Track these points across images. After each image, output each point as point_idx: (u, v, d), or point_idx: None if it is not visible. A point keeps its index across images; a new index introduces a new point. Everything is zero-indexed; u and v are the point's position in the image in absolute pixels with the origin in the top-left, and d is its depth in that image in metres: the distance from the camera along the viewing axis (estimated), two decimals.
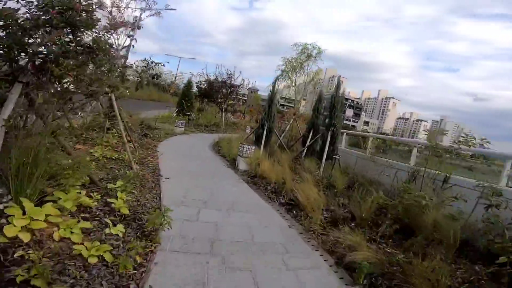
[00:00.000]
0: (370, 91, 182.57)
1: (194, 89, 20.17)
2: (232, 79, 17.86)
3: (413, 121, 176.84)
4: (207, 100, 19.52)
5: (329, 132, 6.99)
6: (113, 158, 5.05)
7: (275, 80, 11.16)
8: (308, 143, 8.56)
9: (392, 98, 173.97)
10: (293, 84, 28.52)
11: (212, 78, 17.76)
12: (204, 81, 17.89)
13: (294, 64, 25.74)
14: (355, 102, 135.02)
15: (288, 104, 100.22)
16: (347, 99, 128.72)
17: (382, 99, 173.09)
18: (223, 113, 18.33)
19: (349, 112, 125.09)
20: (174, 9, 25.62)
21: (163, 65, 5.86)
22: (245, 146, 6.67)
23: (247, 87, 25.32)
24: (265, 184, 5.77)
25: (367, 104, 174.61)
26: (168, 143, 8.99)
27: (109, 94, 5.16)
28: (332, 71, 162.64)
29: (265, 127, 8.03)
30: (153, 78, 5.52)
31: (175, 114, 16.20)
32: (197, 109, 19.90)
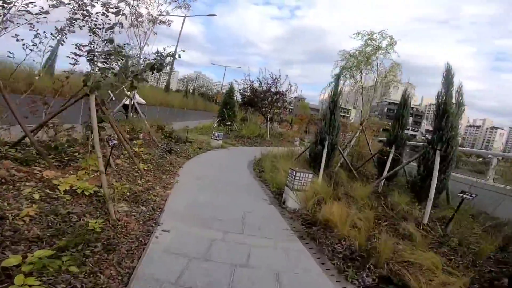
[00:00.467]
0: (431, 98, 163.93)
1: (238, 97, 18.63)
2: (278, 85, 15.76)
3: (487, 128, 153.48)
4: (251, 109, 17.71)
5: (438, 152, 4.21)
6: (87, 193, 3.16)
7: (338, 76, 8.54)
8: (388, 165, 5.84)
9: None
10: (357, 84, 21.65)
11: (256, 84, 15.94)
12: (248, 88, 16.13)
13: (359, 58, 20.11)
14: (414, 109, 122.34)
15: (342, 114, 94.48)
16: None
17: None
18: (269, 123, 16.24)
19: (408, 120, 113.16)
20: (214, 15, 25.16)
21: (178, 57, 4.10)
22: (297, 173, 4.31)
23: (294, 94, 22.82)
24: (332, 242, 3.34)
25: (429, 111, 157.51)
26: (196, 162, 7.09)
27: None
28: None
29: (326, 143, 5.55)
30: (152, 69, 3.58)
31: (215, 124, 14.66)
32: (240, 119, 18.20)
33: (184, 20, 24.03)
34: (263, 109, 16.96)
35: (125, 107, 11.50)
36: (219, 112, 15.09)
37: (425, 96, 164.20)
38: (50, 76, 10.53)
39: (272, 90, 15.84)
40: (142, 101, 13.19)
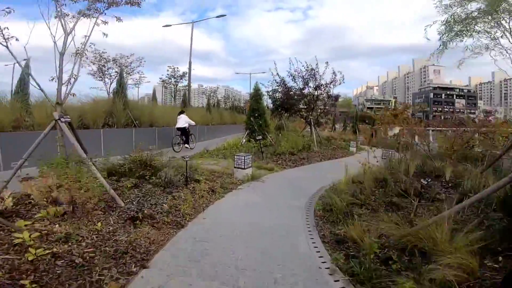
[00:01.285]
0: (480, 77, 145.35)
1: (267, 101, 14.90)
2: (317, 76, 11.71)
3: None
4: (286, 114, 13.82)
5: None
6: None
7: None
8: None
9: None
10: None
11: (288, 81, 12.09)
12: (278, 87, 12.32)
13: None
14: (466, 91, 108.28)
15: (377, 106, 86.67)
16: (452, 88, 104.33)
17: (501, 81, 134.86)
18: (313, 129, 12.17)
19: (460, 103, 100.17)
20: (224, 15, 21.98)
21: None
22: None
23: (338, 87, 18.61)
24: None
25: (480, 90, 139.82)
26: (190, 241, 3.08)
27: None
28: (421, 61, 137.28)
29: None
30: None
31: (243, 141, 10.98)
32: (275, 128, 14.33)
33: (192, 27, 21.20)
34: (302, 112, 12.96)
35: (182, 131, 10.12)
36: (246, 123, 11.40)
37: (472, 76, 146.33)
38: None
39: (311, 85, 11.86)
40: (192, 122, 10.58)
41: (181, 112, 10.55)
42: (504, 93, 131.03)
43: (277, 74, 11.95)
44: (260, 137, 9.30)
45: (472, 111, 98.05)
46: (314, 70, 11.55)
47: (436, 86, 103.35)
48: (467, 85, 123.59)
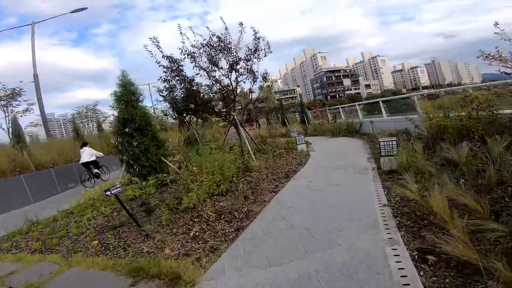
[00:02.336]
0: (354, 58, 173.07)
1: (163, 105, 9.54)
2: (232, 48, 7.09)
3: (408, 70, 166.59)
4: (197, 120, 8.84)
5: None
6: None
7: None
8: None
9: (378, 56, 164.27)
10: None
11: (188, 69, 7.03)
12: (168, 76, 7.14)
13: None
14: (348, 71, 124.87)
15: (285, 97, 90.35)
16: (338, 70, 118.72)
17: (369, 59, 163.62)
18: (242, 132, 7.55)
19: (347, 82, 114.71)
20: (85, 8, 15.22)
21: None
22: None
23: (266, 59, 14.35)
24: None
25: (357, 69, 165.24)
26: None
27: None
28: (310, 50, 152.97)
29: None
30: None
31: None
32: (185, 142, 9.14)
33: (33, 27, 13.67)
34: (222, 111, 8.17)
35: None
36: (117, 150, 5.74)
37: (348, 57, 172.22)
38: None
39: (224, 62, 7.18)
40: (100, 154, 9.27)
41: (84, 144, 9.15)
42: (374, 69, 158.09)
43: (161, 51, 6.69)
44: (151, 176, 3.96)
45: (357, 87, 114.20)
46: (224, 37, 6.85)
47: (326, 70, 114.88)
48: (347, 66, 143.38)
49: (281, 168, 6.24)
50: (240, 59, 7.07)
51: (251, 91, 8.07)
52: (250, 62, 7.21)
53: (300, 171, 5.96)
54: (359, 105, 11.51)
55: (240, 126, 7.63)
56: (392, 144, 4.63)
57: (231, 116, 7.59)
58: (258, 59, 7.30)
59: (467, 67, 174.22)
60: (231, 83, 7.34)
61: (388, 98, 11.35)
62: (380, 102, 9.57)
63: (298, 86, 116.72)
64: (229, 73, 7.23)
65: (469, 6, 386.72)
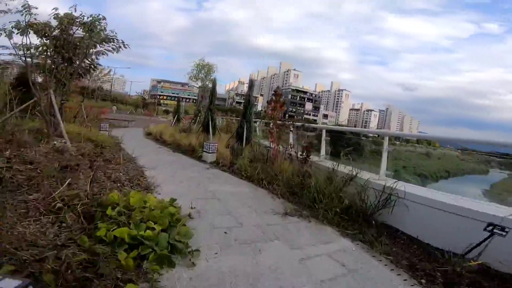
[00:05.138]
0: (323, 85, 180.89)
1: None
2: None
3: (364, 111, 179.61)
4: None
5: None
6: None
7: None
8: None
9: (345, 90, 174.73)
10: None
11: None
12: None
13: None
14: (314, 95, 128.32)
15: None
16: (305, 92, 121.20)
17: (336, 91, 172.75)
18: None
19: (309, 106, 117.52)
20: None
21: None
22: None
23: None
24: None
25: (322, 96, 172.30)
26: None
27: None
28: (286, 64, 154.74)
29: None
30: None
31: None
32: None
33: None
34: None
35: None
36: None
37: (318, 83, 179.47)
38: None
39: None
40: None
41: None
42: (337, 101, 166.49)
43: None
44: None
45: (316, 114, 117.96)
46: None
47: (294, 88, 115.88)
48: (314, 91, 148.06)
49: None
50: None
51: None
52: None
53: None
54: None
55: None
56: None
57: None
58: None
59: (411, 122, 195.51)
60: None
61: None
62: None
63: (261, 95, 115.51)
64: None
65: (435, 63, 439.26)
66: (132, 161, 6.33)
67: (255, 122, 9.97)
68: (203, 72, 24.36)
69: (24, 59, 6.03)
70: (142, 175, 5.14)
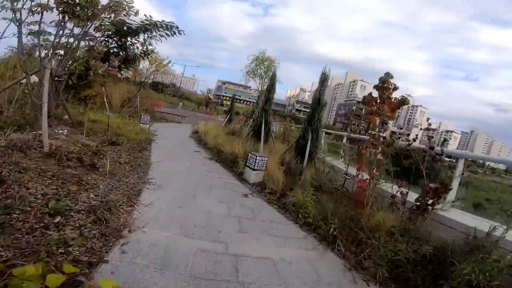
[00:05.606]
0: None
1: None
2: None
3: (442, 132, 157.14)
4: None
5: None
6: None
7: None
8: None
9: (420, 106, 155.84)
10: None
11: None
12: None
13: None
14: None
15: (306, 110, 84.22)
16: None
17: (409, 107, 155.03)
18: None
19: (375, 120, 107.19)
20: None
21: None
22: None
23: None
24: None
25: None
26: None
27: None
28: (353, 75, 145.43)
29: None
30: None
31: None
32: None
33: None
34: None
35: None
36: None
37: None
38: None
39: None
40: None
41: None
42: (408, 118, 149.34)
43: None
44: None
45: (382, 129, 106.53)
46: None
47: (360, 100, 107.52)
48: None
49: None
50: None
51: None
52: None
53: None
54: None
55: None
56: None
57: None
58: None
59: (501, 148, 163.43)
60: None
61: None
62: None
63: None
64: None
65: None
66: (142, 169, 4.42)
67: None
68: (262, 67, 20.50)
69: None
70: (132, 200, 3.06)
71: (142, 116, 9.06)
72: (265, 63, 19.48)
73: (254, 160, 5.22)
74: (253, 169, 5.18)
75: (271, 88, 8.14)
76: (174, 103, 42.95)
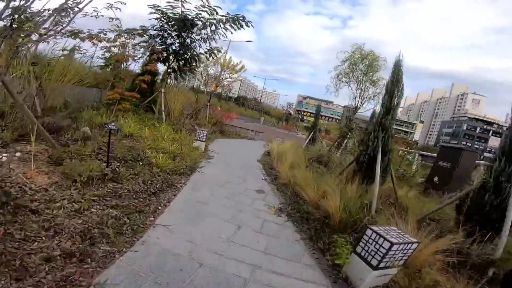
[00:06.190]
0: None
1: None
2: None
3: None
4: None
5: None
6: None
7: None
8: None
9: None
10: None
11: None
12: None
13: None
14: (505, 129, 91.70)
15: (398, 128, 72.37)
16: (491, 123, 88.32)
17: None
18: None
19: (495, 142, 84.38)
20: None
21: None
22: None
23: None
24: None
25: None
26: None
27: None
28: (461, 87, 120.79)
29: None
30: None
31: None
32: None
33: None
34: None
35: None
36: None
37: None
38: None
39: None
40: None
41: None
42: None
43: None
44: None
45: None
46: None
47: (474, 117, 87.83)
48: (505, 122, 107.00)
49: None
50: None
51: None
52: None
53: None
54: None
55: None
56: None
57: None
58: None
59: None
60: None
61: None
62: None
63: (422, 122, 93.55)
64: None
65: None
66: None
67: None
68: (361, 65, 13.72)
69: None
70: None
71: (198, 131, 6.83)
72: (364, 60, 13.07)
73: (376, 242, 1.94)
74: (374, 266, 1.91)
75: (394, 89, 4.64)
76: (254, 117, 42.22)
